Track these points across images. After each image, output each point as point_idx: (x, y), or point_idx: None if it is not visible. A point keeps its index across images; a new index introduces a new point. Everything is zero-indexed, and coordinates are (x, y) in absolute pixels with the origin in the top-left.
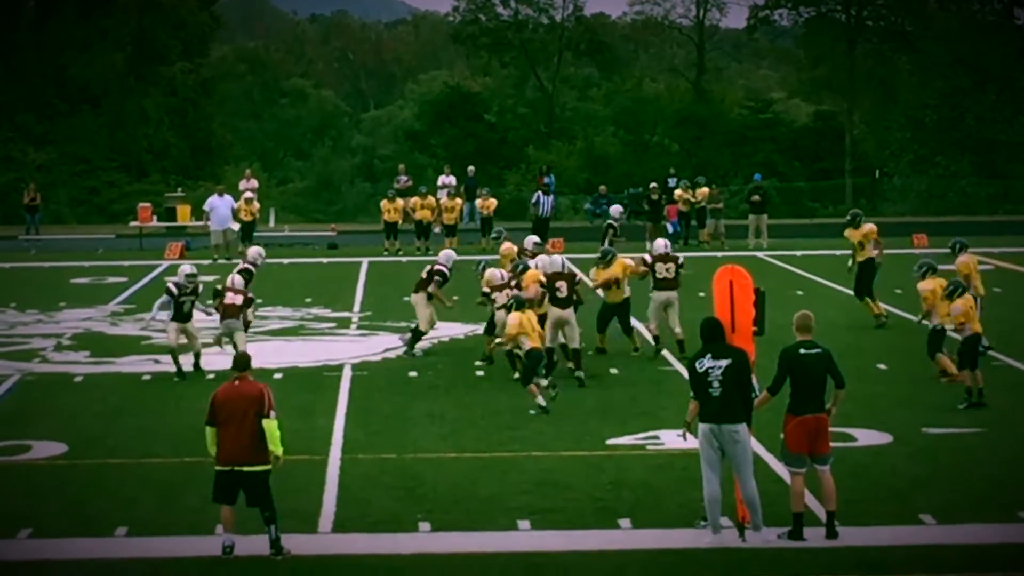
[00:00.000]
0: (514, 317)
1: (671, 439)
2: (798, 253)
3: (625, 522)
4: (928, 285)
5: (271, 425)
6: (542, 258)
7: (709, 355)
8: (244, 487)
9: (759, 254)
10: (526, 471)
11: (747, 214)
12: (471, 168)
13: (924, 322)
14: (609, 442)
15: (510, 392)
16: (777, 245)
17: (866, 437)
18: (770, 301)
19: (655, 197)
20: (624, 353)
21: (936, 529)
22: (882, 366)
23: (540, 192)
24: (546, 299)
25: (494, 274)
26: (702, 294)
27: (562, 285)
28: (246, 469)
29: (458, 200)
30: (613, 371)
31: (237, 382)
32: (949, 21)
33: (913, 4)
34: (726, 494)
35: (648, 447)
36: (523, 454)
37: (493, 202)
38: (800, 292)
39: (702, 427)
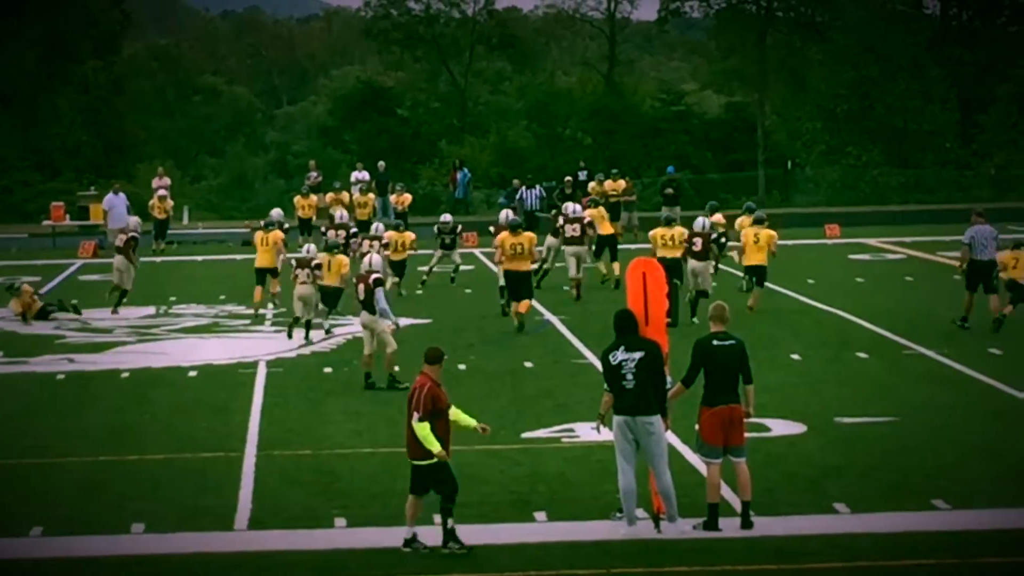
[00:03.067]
0: None
1: (586, 432)
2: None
3: (541, 515)
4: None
5: (417, 427)
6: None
7: (622, 347)
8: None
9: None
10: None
11: (660, 206)
12: (382, 163)
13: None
14: (524, 435)
15: None
16: None
17: (780, 427)
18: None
19: (569, 191)
20: (540, 345)
21: (850, 518)
22: (796, 356)
23: (524, 187)
24: None
25: None
26: (615, 287)
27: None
28: (413, 463)
29: (371, 196)
30: (528, 364)
31: (420, 375)
32: (859, 11)
33: None
34: (641, 486)
35: (563, 440)
36: None
37: (407, 197)
38: (714, 284)
39: (616, 419)
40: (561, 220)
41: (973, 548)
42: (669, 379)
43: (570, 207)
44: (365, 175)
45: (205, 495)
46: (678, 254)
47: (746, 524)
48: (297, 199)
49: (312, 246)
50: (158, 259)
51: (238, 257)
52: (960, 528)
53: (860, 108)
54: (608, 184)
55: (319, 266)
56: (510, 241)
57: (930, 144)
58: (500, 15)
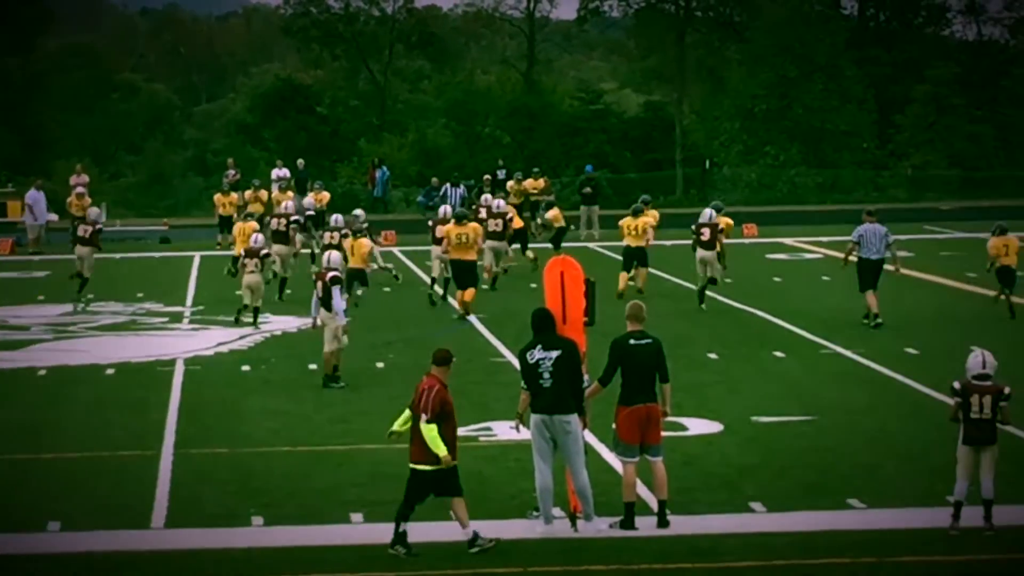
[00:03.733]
0: None
1: (503, 430)
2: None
3: None
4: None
5: (425, 429)
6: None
7: (540, 346)
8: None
9: (591, 245)
10: (359, 464)
11: (579, 205)
12: (301, 161)
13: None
14: None
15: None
16: (609, 236)
17: (697, 426)
18: (602, 292)
19: (487, 189)
20: (458, 344)
21: (766, 517)
22: (713, 355)
23: (448, 184)
24: None
25: None
26: (533, 285)
27: None
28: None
29: (289, 193)
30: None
31: (426, 376)
32: (777, 11)
33: None
34: (558, 484)
35: (480, 438)
36: (356, 447)
37: (326, 195)
38: (632, 283)
39: (534, 418)
40: (484, 214)
41: (888, 547)
42: (587, 378)
43: (493, 202)
44: (285, 172)
45: (122, 493)
46: (642, 243)
47: (662, 523)
48: (217, 196)
49: (261, 236)
50: (75, 256)
51: (156, 255)
52: (875, 527)
53: (778, 108)
54: (527, 183)
55: (267, 255)
56: (456, 231)
57: (847, 144)
58: (419, 13)
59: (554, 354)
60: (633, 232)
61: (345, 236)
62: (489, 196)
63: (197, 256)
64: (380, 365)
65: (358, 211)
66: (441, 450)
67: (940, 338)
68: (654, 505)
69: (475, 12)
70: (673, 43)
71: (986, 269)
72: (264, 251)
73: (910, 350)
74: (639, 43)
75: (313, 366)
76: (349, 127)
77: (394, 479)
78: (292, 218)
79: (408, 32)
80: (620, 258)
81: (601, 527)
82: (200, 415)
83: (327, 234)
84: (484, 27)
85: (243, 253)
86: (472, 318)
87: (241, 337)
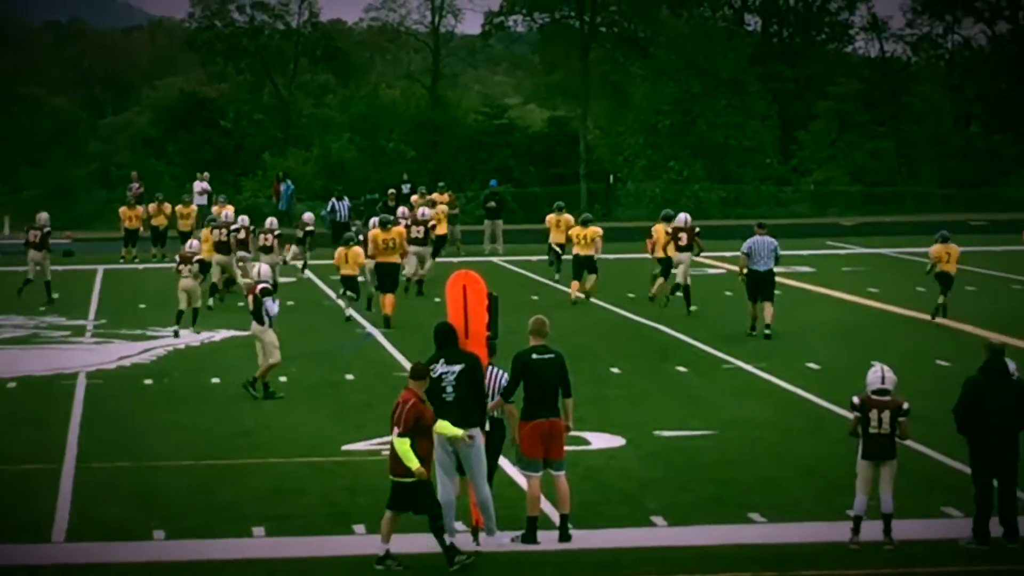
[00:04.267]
0: None
1: None
2: (533, 258)
3: (360, 527)
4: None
5: (397, 443)
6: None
7: (443, 360)
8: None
9: (495, 259)
10: (262, 478)
11: (483, 219)
12: (206, 174)
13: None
14: (345, 448)
15: (245, 399)
16: (513, 251)
17: (599, 440)
18: (505, 306)
19: (392, 203)
20: (362, 358)
21: (668, 531)
22: (615, 370)
23: (334, 199)
24: None
25: None
26: (437, 299)
27: None
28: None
29: (194, 207)
30: (349, 377)
31: (404, 390)
32: (681, 27)
33: (646, 10)
34: (460, 498)
35: (384, 453)
36: (259, 461)
37: (230, 209)
38: (535, 297)
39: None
40: (408, 221)
41: (788, 561)
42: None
43: (419, 210)
44: (206, 186)
45: (24, 507)
46: (591, 252)
47: (564, 537)
48: (122, 210)
49: (195, 242)
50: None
51: (59, 268)
52: (776, 541)
53: (682, 123)
54: (433, 197)
55: (201, 262)
56: (382, 237)
57: (750, 160)
58: (324, 27)
59: (457, 368)
60: (582, 241)
61: (278, 237)
62: (427, 210)
63: (100, 269)
64: (283, 379)
65: (271, 219)
66: (413, 463)
67: (841, 353)
68: (556, 519)
69: (380, 26)
70: (577, 58)
71: (925, 272)
72: (198, 257)
73: (811, 365)
74: (543, 58)
75: (216, 380)
76: (253, 141)
77: (297, 493)
78: (232, 227)
79: (313, 46)
80: (526, 272)
81: (503, 541)
82: (102, 429)
83: (262, 236)
84: (389, 41)
85: (177, 259)
86: (375, 331)
87: (144, 351)
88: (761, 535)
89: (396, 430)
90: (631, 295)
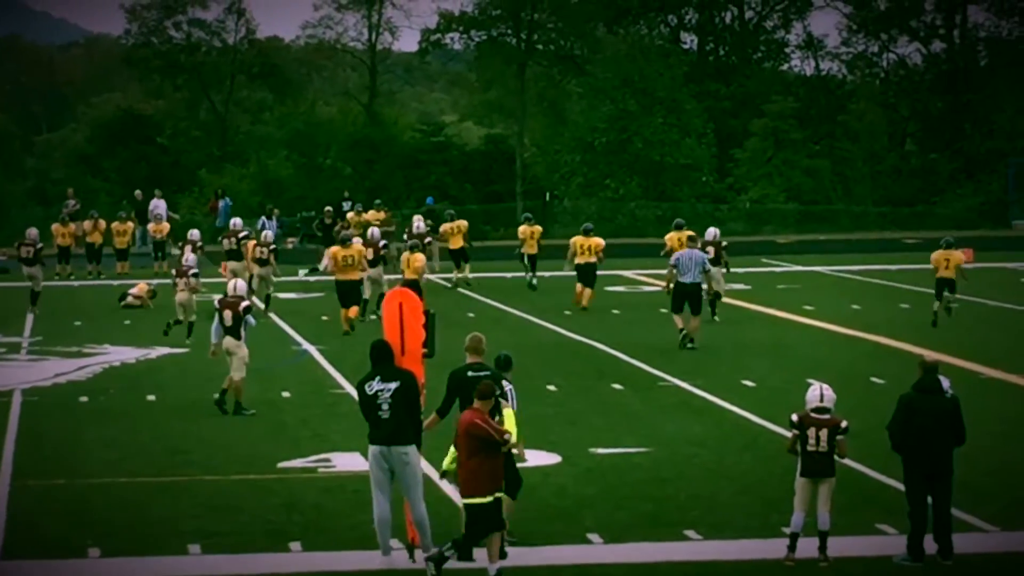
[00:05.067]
0: None
1: (342, 461)
2: (469, 275)
3: (296, 545)
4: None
5: (510, 416)
6: None
7: (378, 377)
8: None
9: (431, 277)
10: (197, 495)
11: None
12: (139, 192)
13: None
14: (281, 465)
15: (181, 416)
16: (449, 268)
17: (535, 458)
18: (442, 323)
19: (328, 221)
20: (298, 375)
21: (603, 548)
22: (552, 387)
23: (264, 217)
24: None
25: None
26: (373, 316)
27: None
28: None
29: (129, 224)
30: (285, 394)
31: (468, 411)
32: (617, 45)
33: (582, 28)
34: (396, 515)
35: (320, 470)
36: (194, 478)
37: (166, 226)
38: (472, 314)
39: (372, 449)
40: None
41: None
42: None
43: (373, 231)
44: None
45: None
46: (593, 260)
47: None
48: (55, 227)
49: (192, 256)
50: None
51: None
52: (712, 558)
53: (618, 141)
54: (369, 214)
55: (196, 274)
56: (341, 254)
57: (687, 177)
58: (261, 44)
59: (392, 385)
60: (586, 251)
61: (273, 251)
62: (376, 231)
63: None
64: (218, 396)
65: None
66: (514, 429)
67: (776, 370)
68: None
69: (317, 43)
70: (514, 76)
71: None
72: (193, 271)
73: (747, 382)
74: (480, 76)
75: (152, 397)
76: (190, 157)
77: (233, 510)
78: (242, 234)
79: (250, 63)
80: (462, 290)
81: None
82: (38, 446)
83: (257, 248)
84: (326, 59)
85: (174, 273)
86: (311, 349)
87: (79, 368)
88: (696, 552)
89: (511, 408)
90: (567, 312)
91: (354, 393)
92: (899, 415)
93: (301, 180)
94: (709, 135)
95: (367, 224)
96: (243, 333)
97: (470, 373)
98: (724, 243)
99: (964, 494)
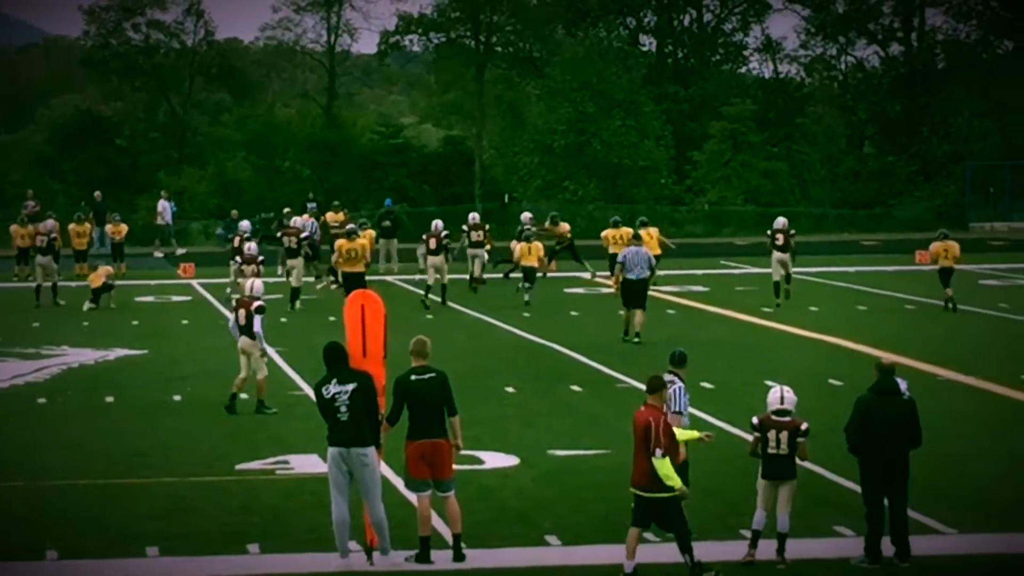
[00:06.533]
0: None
1: (300, 463)
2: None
3: (254, 547)
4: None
5: (659, 464)
6: None
7: (335, 380)
8: (653, 513)
9: (389, 278)
10: (156, 497)
11: (378, 239)
12: (98, 193)
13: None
14: (238, 467)
15: (139, 418)
16: (408, 270)
17: (493, 459)
18: (400, 325)
19: (287, 222)
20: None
21: (560, 550)
22: (510, 389)
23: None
24: None
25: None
26: (332, 318)
27: None
28: (652, 496)
29: (87, 225)
30: (243, 396)
31: (643, 407)
32: (576, 47)
33: (541, 30)
34: (355, 517)
35: (278, 472)
36: (153, 480)
37: (124, 227)
38: (430, 316)
39: (331, 451)
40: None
41: None
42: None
43: (301, 221)
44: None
45: None
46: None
47: (458, 557)
48: (14, 228)
49: (254, 244)
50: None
51: None
52: (671, 560)
53: (577, 143)
54: (328, 216)
55: (263, 261)
56: (346, 246)
57: (645, 180)
58: (220, 46)
59: (350, 387)
60: (618, 241)
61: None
62: (299, 219)
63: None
64: (177, 398)
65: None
66: (676, 482)
67: (735, 372)
68: (450, 539)
69: (276, 45)
70: (472, 78)
71: (933, 264)
72: (260, 258)
73: (706, 384)
74: (439, 78)
75: (110, 398)
76: (148, 159)
77: (191, 512)
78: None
79: (208, 65)
80: (422, 291)
81: (397, 561)
82: None
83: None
84: (285, 60)
85: (238, 260)
86: (270, 350)
87: (37, 370)
88: (655, 554)
89: (658, 452)
90: (526, 314)
91: (313, 395)
92: (856, 417)
93: (259, 182)
94: (667, 137)
95: (329, 226)
96: (258, 332)
97: (413, 377)
98: (792, 231)
99: (921, 496)
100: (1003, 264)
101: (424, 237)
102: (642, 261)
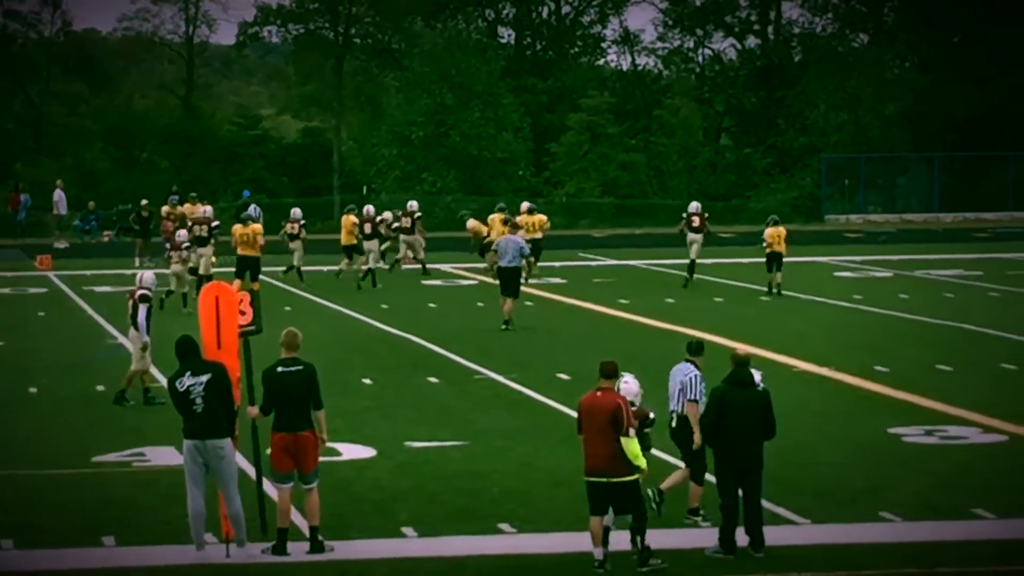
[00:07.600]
0: None
1: (157, 456)
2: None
3: (109, 539)
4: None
5: (628, 444)
6: None
7: (188, 372)
8: (612, 498)
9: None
10: (11, 490)
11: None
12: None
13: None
14: (95, 459)
15: None
16: (267, 261)
17: (350, 451)
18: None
19: (146, 214)
20: (113, 370)
21: (417, 542)
22: (367, 381)
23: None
24: None
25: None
26: (188, 311)
27: None
28: (614, 480)
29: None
30: (100, 388)
31: (599, 392)
32: (435, 39)
33: (400, 22)
34: (211, 510)
35: (134, 464)
36: (8, 472)
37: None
38: (288, 308)
39: (186, 443)
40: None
41: (538, 571)
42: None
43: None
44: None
45: None
46: (538, 235)
47: (315, 548)
48: None
49: (184, 232)
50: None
51: None
52: (525, 551)
53: (435, 135)
54: (185, 207)
55: (189, 247)
56: (240, 231)
57: (503, 171)
58: (78, 36)
59: (204, 378)
60: (531, 228)
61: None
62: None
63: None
64: (33, 390)
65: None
66: (643, 462)
67: (592, 364)
68: (307, 531)
69: (134, 36)
70: (331, 69)
71: (763, 248)
72: (184, 244)
73: (562, 375)
74: (298, 69)
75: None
76: (5, 150)
77: (44, 505)
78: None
79: (66, 55)
80: (278, 284)
81: (253, 553)
82: None
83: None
84: (143, 51)
85: (168, 246)
86: (126, 342)
87: None
88: (510, 545)
89: (631, 431)
90: (384, 306)
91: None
92: (711, 408)
93: (117, 173)
94: (525, 129)
95: (182, 217)
96: (141, 323)
97: (279, 369)
98: (707, 214)
99: (775, 487)
100: (858, 256)
101: (358, 222)
102: (513, 248)
